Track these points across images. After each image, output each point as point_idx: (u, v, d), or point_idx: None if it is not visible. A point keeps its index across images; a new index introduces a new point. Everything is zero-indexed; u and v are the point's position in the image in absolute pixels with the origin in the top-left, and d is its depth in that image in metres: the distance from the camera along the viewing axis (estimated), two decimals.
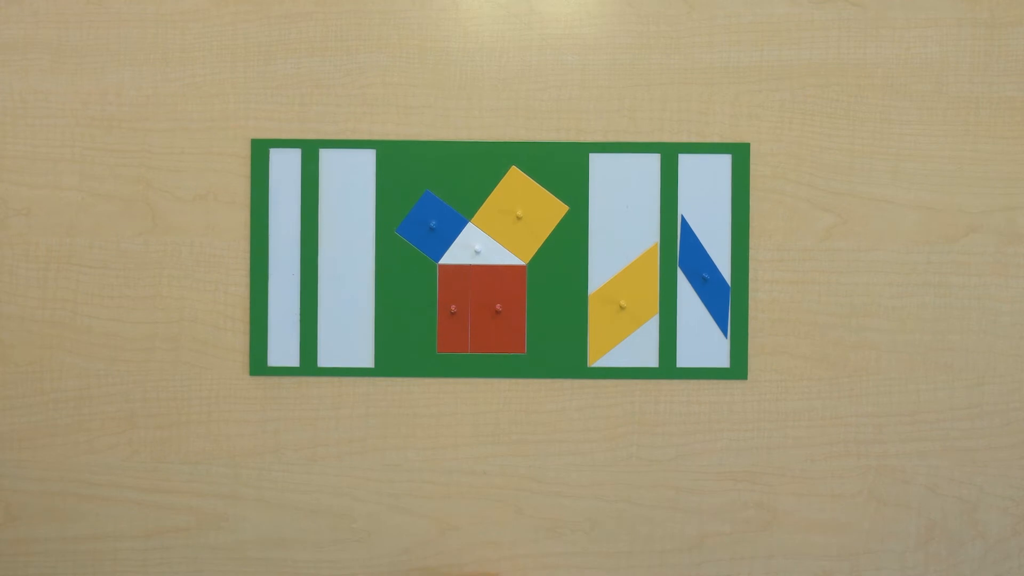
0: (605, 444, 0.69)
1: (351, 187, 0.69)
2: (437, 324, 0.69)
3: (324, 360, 0.69)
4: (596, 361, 0.69)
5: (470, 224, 0.69)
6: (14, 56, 0.69)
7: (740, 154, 0.69)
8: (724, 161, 0.69)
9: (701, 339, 0.69)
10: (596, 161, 0.69)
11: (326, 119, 0.69)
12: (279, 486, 0.69)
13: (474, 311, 0.69)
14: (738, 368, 0.69)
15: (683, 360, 0.69)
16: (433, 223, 0.69)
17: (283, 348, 0.69)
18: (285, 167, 0.69)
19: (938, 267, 0.69)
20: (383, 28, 0.69)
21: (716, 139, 0.69)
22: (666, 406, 0.69)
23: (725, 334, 0.69)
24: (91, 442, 0.69)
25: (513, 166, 0.69)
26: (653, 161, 0.69)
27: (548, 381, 0.69)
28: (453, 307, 0.69)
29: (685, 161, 0.69)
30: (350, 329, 0.69)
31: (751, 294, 0.69)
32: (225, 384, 0.69)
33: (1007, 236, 0.69)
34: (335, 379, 0.69)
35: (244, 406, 0.69)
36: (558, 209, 0.69)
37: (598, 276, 0.69)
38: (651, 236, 0.69)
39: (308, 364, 0.69)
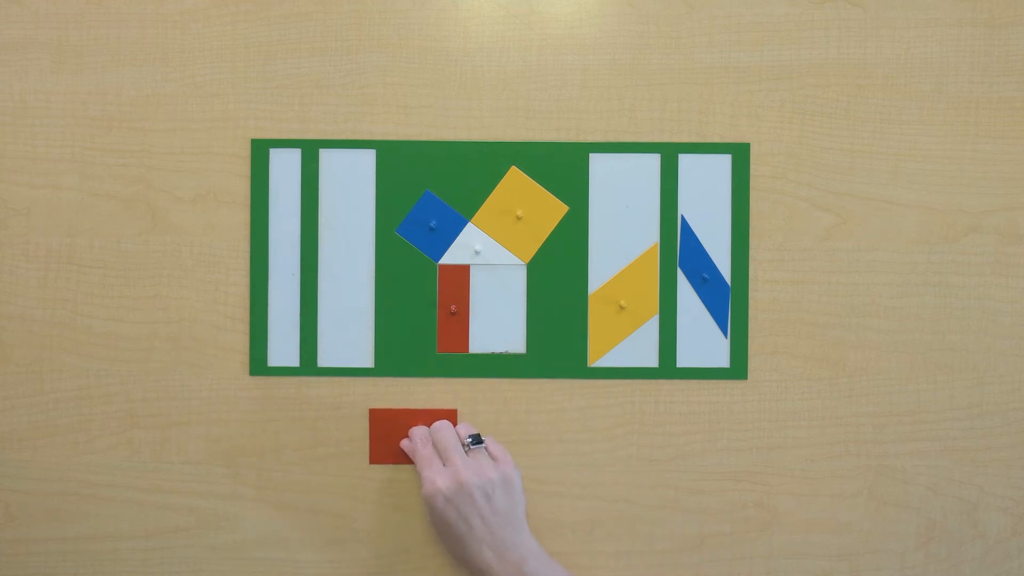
0: (605, 444, 0.69)
1: (351, 187, 0.69)
2: (437, 324, 0.69)
3: (324, 360, 0.69)
4: (596, 361, 0.69)
5: (470, 224, 0.69)
6: (14, 56, 0.69)
7: (740, 154, 0.69)
8: (724, 161, 0.69)
9: (701, 339, 0.69)
10: (596, 161, 0.69)
11: (326, 119, 0.69)
12: (279, 486, 0.69)
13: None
14: (738, 368, 0.69)
15: (683, 360, 0.69)
16: (433, 223, 0.69)
17: (283, 348, 0.69)
18: (285, 167, 0.69)
19: (938, 267, 0.69)
20: (383, 28, 0.69)
21: (716, 139, 0.69)
22: (666, 406, 0.69)
23: (725, 334, 0.69)
24: (91, 442, 0.69)
25: (513, 166, 0.69)
26: (653, 161, 0.69)
27: (548, 381, 0.69)
28: (453, 307, 0.69)
29: (685, 161, 0.69)
30: (350, 329, 0.69)
31: (751, 294, 0.69)
32: (225, 384, 0.69)
33: (1007, 236, 0.69)
34: (335, 379, 0.69)
35: (244, 406, 0.69)
36: (558, 209, 0.69)
37: (598, 276, 0.69)
38: (651, 236, 0.69)
39: (308, 364, 0.69)
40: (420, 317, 0.69)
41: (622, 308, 0.69)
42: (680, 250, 0.69)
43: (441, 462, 0.64)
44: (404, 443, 0.68)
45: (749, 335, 0.69)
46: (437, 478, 0.62)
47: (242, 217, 0.69)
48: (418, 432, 0.67)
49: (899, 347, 0.69)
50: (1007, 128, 0.69)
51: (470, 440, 0.65)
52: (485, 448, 0.65)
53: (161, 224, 0.69)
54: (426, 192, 0.69)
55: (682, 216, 0.69)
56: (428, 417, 0.69)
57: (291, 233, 0.69)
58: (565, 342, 0.69)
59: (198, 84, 0.69)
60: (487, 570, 0.61)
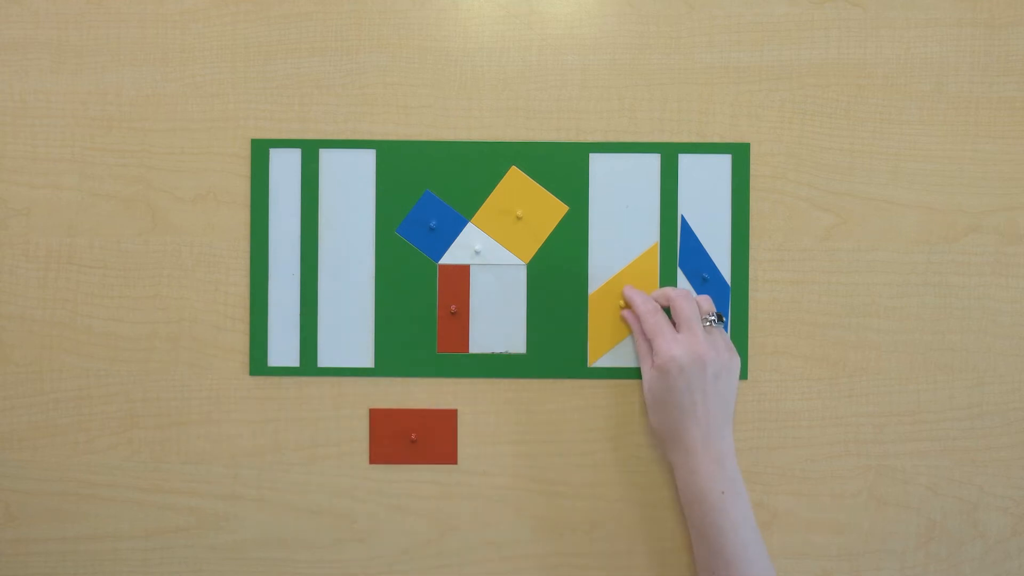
0: (605, 444, 0.69)
1: (351, 187, 0.69)
2: (437, 324, 0.69)
3: (324, 360, 0.69)
4: (596, 361, 0.69)
5: (470, 224, 0.69)
6: (14, 56, 0.69)
7: (740, 154, 0.69)
8: (724, 161, 0.69)
9: None
10: (596, 161, 0.69)
11: (326, 119, 0.69)
12: (279, 486, 0.69)
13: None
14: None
15: None
16: (433, 223, 0.69)
17: (283, 348, 0.69)
18: (285, 167, 0.69)
19: (938, 267, 0.69)
20: (383, 28, 0.69)
21: (716, 139, 0.69)
22: None
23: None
24: (91, 442, 0.69)
25: (513, 166, 0.69)
26: (653, 161, 0.69)
27: (548, 381, 0.69)
28: (453, 307, 0.69)
29: (685, 161, 0.69)
30: (350, 329, 0.69)
31: (751, 294, 0.69)
32: (225, 384, 0.69)
33: (1007, 236, 0.69)
34: (335, 379, 0.69)
35: (244, 406, 0.69)
36: (558, 209, 0.69)
37: (598, 276, 0.69)
38: (651, 236, 0.69)
39: (308, 364, 0.69)
40: (420, 317, 0.69)
41: (622, 308, 0.69)
42: (680, 250, 0.69)
43: (672, 331, 0.63)
44: (626, 313, 0.68)
45: (749, 335, 0.69)
46: (674, 347, 0.62)
47: (242, 217, 0.69)
48: (646, 302, 0.66)
49: (899, 347, 0.69)
50: (1007, 128, 0.69)
51: (713, 318, 0.65)
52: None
53: (161, 224, 0.69)
54: (426, 192, 0.69)
55: (682, 216, 0.69)
56: (428, 417, 0.69)
57: (291, 233, 0.69)
58: (565, 342, 0.69)
59: (198, 84, 0.69)
60: (691, 451, 0.62)
